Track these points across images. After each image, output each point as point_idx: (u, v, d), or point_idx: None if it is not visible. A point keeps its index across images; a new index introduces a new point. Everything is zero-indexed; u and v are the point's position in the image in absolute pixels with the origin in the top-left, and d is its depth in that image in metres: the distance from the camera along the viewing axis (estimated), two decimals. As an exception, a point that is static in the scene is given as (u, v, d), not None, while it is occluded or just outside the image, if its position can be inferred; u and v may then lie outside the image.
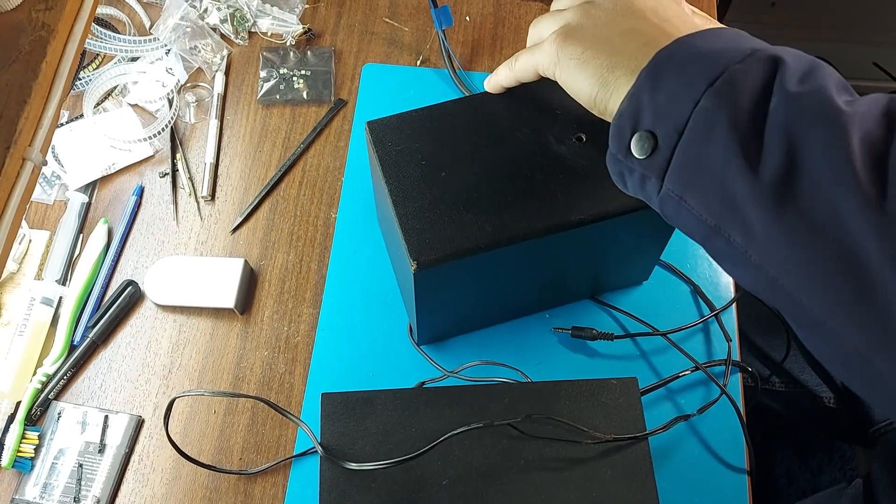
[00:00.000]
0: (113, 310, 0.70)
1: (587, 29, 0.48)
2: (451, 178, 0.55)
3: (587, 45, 0.47)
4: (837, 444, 0.90)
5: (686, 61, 0.41)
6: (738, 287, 0.69)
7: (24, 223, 0.75)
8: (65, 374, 0.68)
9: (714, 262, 0.52)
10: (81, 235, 0.75)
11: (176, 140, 0.79)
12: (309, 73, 0.81)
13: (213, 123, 0.79)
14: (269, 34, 0.84)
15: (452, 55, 0.80)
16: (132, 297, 0.71)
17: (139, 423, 0.67)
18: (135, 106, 0.81)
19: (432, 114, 0.58)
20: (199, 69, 0.82)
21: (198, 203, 0.76)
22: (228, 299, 0.69)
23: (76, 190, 0.76)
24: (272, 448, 0.65)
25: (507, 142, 0.56)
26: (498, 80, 0.56)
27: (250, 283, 0.72)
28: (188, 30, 0.81)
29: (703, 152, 0.40)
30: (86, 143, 0.78)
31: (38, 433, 0.66)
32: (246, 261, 0.71)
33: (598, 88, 0.46)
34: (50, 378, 0.68)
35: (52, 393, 0.67)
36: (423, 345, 0.67)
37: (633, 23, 0.47)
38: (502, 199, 0.54)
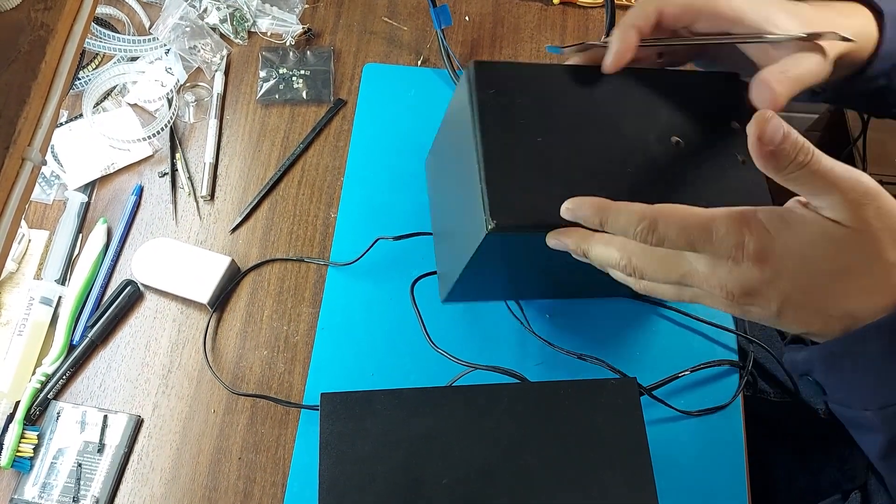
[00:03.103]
0: (112, 309, 0.70)
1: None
2: (546, 147, 0.51)
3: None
4: (836, 445, 0.89)
5: (871, 367, 0.41)
6: None
7: (23, 223, 0.75)
8: (64, 373, 0.68)
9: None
10: (81, 235, 0.75)
11: (175, 140, 0.79)
12: (308, 73, 0.81)
13: (213, 123, 0.79)
14: (268, 34, 0.84)
15: (452, 55, 0.80)
16: (131, 297, 0.71)
17: (138, 423, 0.67)
18: (134, 105, 0.80)
19: (544, 74, 0.54)
20: (199, 69, 0.82)
21: (197, 203, 0.76)
22: (204, 294, 0.69)
23: (75, 189, 0.76)
24: (271, 447, 0.65)
25: (608, 127, 0.53)
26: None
27: (232, 282, 0.72)
28: (187, 29, 0.81)
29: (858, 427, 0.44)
30: (85, 143, 0.78)
31: (37, 433, 0.66)
32: (233, 259, 0.71)
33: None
34: (49, 378, 0.68)
35: (51, 392, 0.67)
36: (447, 302, 0.63)
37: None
38: (592, 183, 0.51)
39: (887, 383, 0.40)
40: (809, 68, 0.50)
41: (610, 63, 0.52)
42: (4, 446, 0.64)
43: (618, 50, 0.51)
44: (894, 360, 0.39)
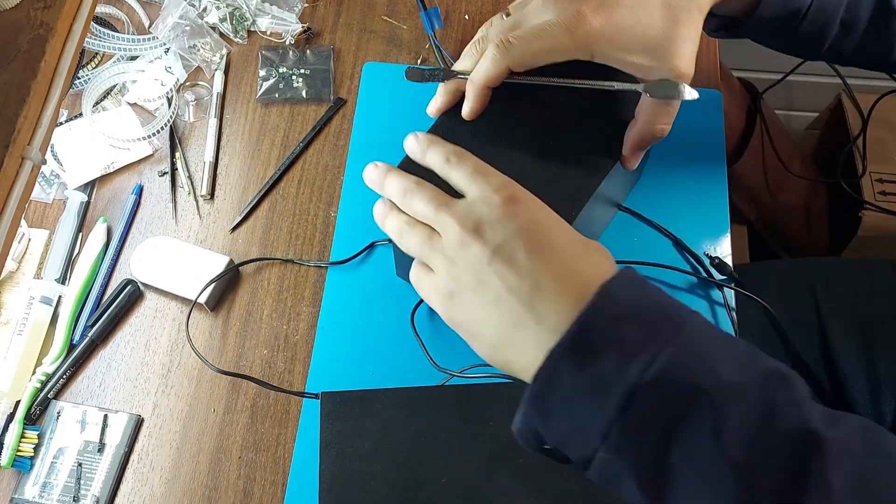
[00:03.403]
0: (112, 309, 0.70)
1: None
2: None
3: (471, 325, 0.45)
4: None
5: (572, 395, 0.38)
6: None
7: (23, 222, 0.75)
8: (64, 373, 0.68)
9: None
10: (80, 234, 0.75)
11: (175, 139, 0.79)
12: (308, 72, 0.81)
13: (213, 122, 0.79)
14: (268, 33, 0.84)
15: (446, 55, 0.80)
16: (131, 296, 0.71)
17: (138, 422, 0.67)
18: (134, 105, 0.80)
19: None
20: (199, 68, 0.82)
21: (197, 202, 0.76)
22: (202, 294, 0.69)
23: (75, 189, 0.76)
24: (271, 446, 0.65)
25: (519, 125, 0.58)
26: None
27: (230, 281, 0.72)
28: (187, 28, 0.81)
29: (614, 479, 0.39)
30: (85, 142, 0.78)
31: (37, 432, 0.66)
32: (231, 259, 0.71)
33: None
34: (49, 377, 0.68)
35: (51, 392, 0.67)
36: None
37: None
38: (556, 167, 0.56)
39: (597, 407, 0.37)
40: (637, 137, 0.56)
41: (467, 116, 0.57)
42: (5, 446, 0.64)
43: (472, 108, 0.56)
44: (584, 379, 0.37)
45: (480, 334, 0.44)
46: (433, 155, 0.49)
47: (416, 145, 0.51)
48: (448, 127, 0.58)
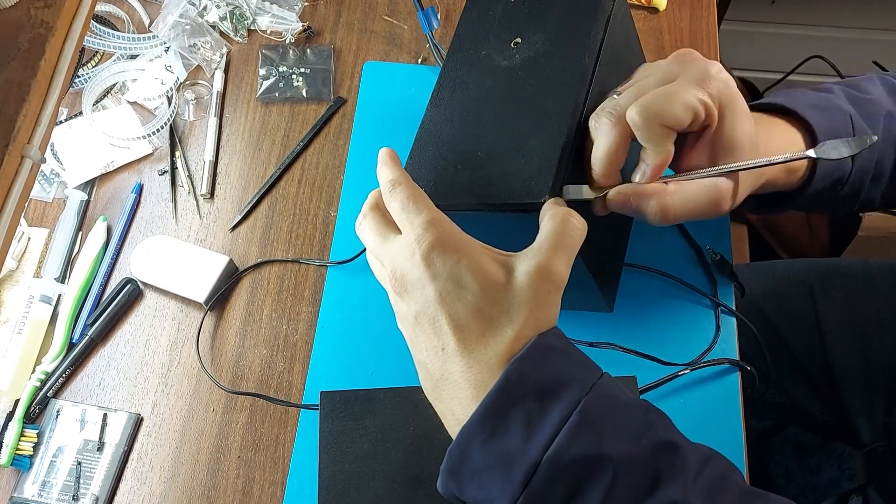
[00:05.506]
0: (112, 307, 0.70)
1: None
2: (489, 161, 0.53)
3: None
4: (835, 444, 0.90)
5: (482, 469, 0.40)
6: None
7: (22, 221, 0.75)
8: (63, 371, 0.68)
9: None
10: (80, 233, 0.75)
11: (175, 138, 0.79)
12: (308, 71, 0.81)
13: (213, 121, 0.79)
14: (268, 32, 0.84)
15: (445, 55, 0.80)
16: (131, 295, 0.71)
17: (138, 421, 0.67)
18: (134, 103, 0.80)
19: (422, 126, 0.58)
20: (199, 67, 0.82)
21: (197, 201, 0.76)
22: (201, 293, 0.69)
23: (75, 187, 0.76)
24: (271, 446, 0.65)
25: (473, 86, 0.57)
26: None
27: (230, 281, 0.72)
28: (187, 27, 0.81)
29: None
30: (85, 141, 0.78)
31: (36, 431, 0.66)
32: (231, 259, 0.71)
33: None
34: (49, 376, 0.68)
35: (50, 391, 0.67)
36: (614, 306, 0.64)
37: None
38: (528, 125, 0.53)
39: (503, 481, 0.39)
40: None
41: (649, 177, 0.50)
42: (4, 444, 0.64)
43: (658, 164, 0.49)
44: (492, 455, 0.40)
45: (419, 373, 0.46)
46: (380, 178, 0.49)
47: (379, 158, 0.51)
48: (436, 120, 0.57)
